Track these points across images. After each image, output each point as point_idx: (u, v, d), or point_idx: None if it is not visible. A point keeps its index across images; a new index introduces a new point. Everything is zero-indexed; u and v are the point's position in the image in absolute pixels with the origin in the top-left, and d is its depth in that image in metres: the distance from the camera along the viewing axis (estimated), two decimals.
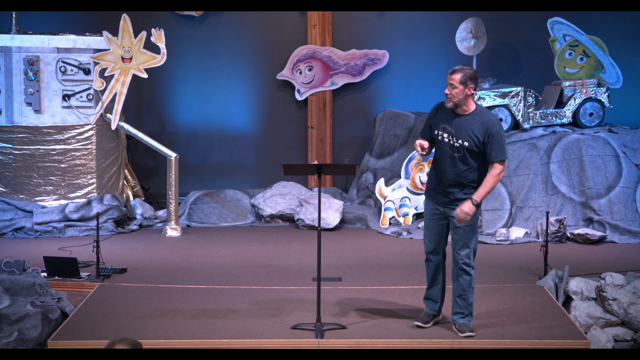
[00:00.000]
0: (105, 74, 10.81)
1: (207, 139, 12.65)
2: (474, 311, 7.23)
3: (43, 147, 10.82)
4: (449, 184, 6.94)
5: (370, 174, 11.88)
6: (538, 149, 10.70)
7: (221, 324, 7.30)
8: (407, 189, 11.00)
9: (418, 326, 7.20)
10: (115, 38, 10.69)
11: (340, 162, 12.27)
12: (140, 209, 11.27)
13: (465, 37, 11.45)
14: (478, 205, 6.86)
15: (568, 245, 10.06)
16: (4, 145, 10.81)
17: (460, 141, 6.87)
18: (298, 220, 11.02)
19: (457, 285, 7.05)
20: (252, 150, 12.71)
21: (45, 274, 8.49)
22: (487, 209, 10.53)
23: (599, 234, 10.11)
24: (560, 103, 11.18)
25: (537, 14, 11.89)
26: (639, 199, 10.53)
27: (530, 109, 11.01)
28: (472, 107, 6.92)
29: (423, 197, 10.87)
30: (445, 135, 6.92)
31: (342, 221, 11.08)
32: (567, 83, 11.18)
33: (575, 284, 7.94)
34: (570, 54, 11.52)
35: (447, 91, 6.88)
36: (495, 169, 6.86)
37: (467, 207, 6.83)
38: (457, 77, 6.83)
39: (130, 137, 11.60)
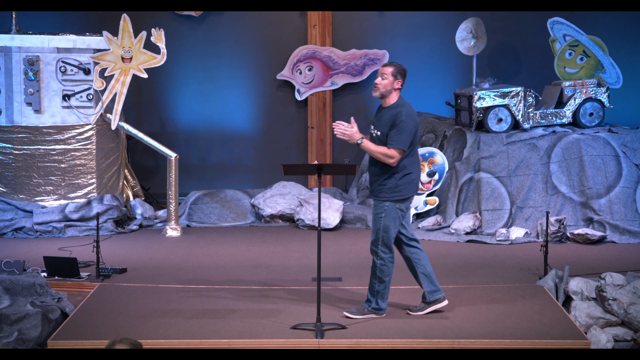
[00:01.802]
0: (105, 74, 10.80)
1: (207, 139, 12.64)
2: (472, 309, 7.26)
3: (43, 147, 10.81)
4: (370, 176, 7.29)
5: None
6: (538, 149, 10.70)
7: (221, 324, 7.29)
8: None
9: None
10: (115, 38, 10.69)
11: (340, 162, 12.26)
12: (140, 209, 11.26)
13: (465, 37, 11.45)
14: (358, 145, 7.12)
15: (568, 245, 10.06)
16: (4, 145, 10.81)
17: (376, 131, 7.22)
18: (298, 220, 11.02)
19: None
20: (252, 150, 12.70)
21: (45, 274, 8.48)
22: (487, 209, 10.52)
23: (599, 234, 10.11)
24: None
25: (537, 14, 11.89)
26: (639, 199, 10.52)
27: (530, 109, 11.01)
28: (394, 100, 7.23)
29: (422, 197, 10.88)
30: (372, 127, 7.29)
31: (342, 221, 11.07)
32: (567, 83, 11.17)
33: (575, 284, 7.94)
34: (570, 54, 11.52)
35: (376, 81, 7.23)
36: (389, 151, 7.11)
37: (353, 130, 7.11)
38: (390, 69, 7.21)
39: (130, 137, 11.60)
